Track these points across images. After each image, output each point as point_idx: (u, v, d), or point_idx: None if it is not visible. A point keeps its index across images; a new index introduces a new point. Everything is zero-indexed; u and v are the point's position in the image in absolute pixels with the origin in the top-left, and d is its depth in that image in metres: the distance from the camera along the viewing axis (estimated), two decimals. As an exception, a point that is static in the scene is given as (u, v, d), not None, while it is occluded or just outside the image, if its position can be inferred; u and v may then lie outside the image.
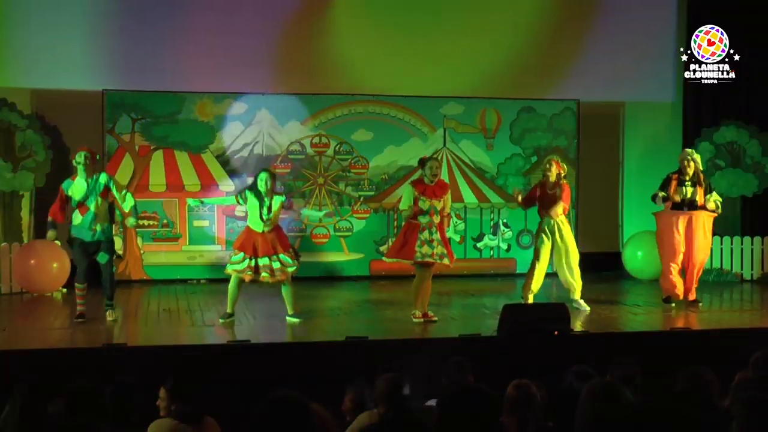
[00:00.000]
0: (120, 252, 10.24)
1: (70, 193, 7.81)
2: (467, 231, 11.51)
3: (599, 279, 10.54)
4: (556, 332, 7.11)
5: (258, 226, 7.77)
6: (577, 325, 7.64)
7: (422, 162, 8.20)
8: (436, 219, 7.92)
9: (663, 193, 8.76)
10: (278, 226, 7.95)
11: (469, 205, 11.49)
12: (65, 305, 9.24)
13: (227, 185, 10.86)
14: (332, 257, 11.17)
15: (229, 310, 7.86)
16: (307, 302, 8.94)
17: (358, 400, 4.83)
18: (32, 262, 9.68)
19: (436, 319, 7.95)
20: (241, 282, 7.80)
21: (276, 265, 7.72)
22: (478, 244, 11.55)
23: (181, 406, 4.39)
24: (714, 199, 8.88)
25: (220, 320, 7.83)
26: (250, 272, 7.71)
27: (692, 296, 8.90)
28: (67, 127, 10.60)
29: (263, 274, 7.71)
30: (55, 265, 9.69)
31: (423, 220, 7.89)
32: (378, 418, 4.21)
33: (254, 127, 10.95)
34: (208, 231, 10.88)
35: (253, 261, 7.70)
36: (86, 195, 7.73)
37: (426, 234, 7.87)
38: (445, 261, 7.95)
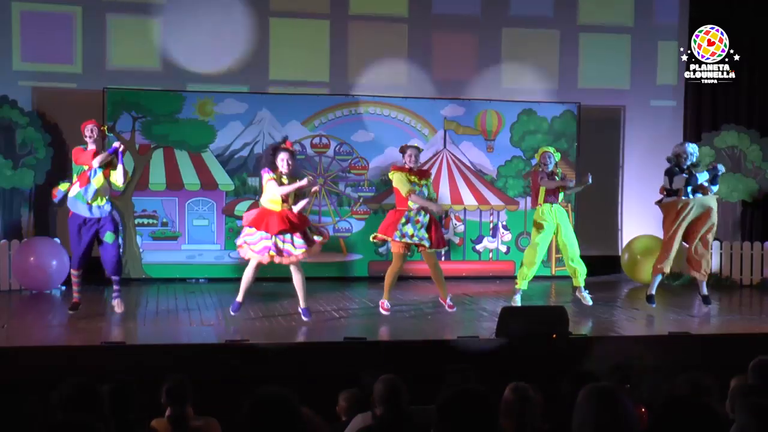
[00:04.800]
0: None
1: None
2: (466, 233, 11.51)
3: (598, 282, 10.54)
4: (554, 335, 7.10)
5: (276, 205, 7.75)
6: (576, 329, 7.64)
7: (403, 150, 8.34)
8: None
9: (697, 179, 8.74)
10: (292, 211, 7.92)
11: (469, 207, 11.49)
12: (64, 302, 9.23)
13: (227, 185, 10.87)
14: (331, 258, 11.16)
15: (240, 299, 7.87)
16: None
17: (352, 400, 4.83)
18: (31, 259, 9.69)
19: (453, 311, 8.18)
20: (258, 267, 7.80)
21: (287, 245, 7.68)
22: (477, 247, 11.55)
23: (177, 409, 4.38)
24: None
25: (232, 312, 7.89)
26: (267, 253, 7.64)
27: (704, 291, 8.90)
28: (68, 125, 10.60)
29: (273, 253, 7.64)
30: (54, 262, 9.69)
31: (414, 205, 8.04)
32: (372, 421, 4.20)
33: (254, 126, 10.95)
34: (208, 230, 10.88)
35: (270, 240, 7.64)
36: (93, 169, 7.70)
37: (413, 214, 7.95)
38: (424, 243, 8.02)
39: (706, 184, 8.76)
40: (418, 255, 8.52)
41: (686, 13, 11.93)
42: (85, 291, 7.96)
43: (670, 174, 8.76)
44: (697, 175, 8.74)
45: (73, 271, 7.93)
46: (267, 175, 7.78)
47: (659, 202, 9.02)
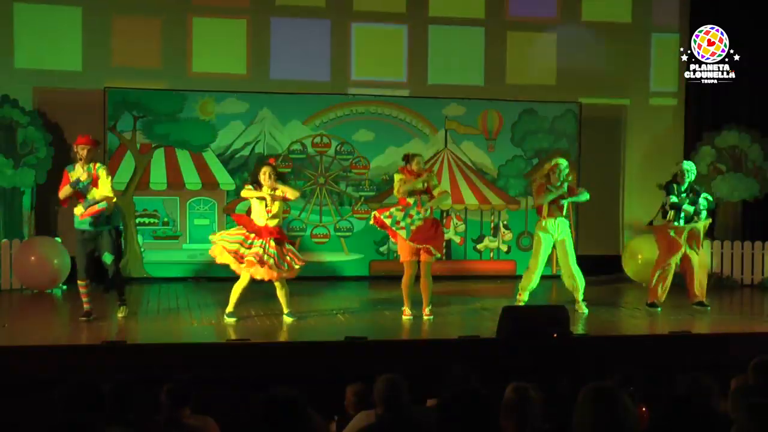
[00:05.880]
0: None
1: (71, 177, 7.72)
2: (467, 232, 11.51)
3: (599, 282, 10.54)
4: (555, 335, 7.10)
5: (261, 220, 7.80)
6: (577, 328, 7.64)
7: (407, 158, 8.32)
8: (424, 210, 8.08)
9: (673, 199, 8.75)
10: (281, 228, 7.93)
11: (470, 206, 11.49)
12: (65, 302, 9.26)
13: (228, 184, 10.87)
14: (332, 257, 11.17)
15: (230, 310, 7.90)
16: (306, 302, 8.95)
17: (361, 395, 4.82)
18: (32, 258, 9.69)
19: (410, 317, 8.10)
20: (247, 284, 7.81)
21: (270, 259, 7.68)
22: (478, 246, 11.55)
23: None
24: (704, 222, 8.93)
25: (227, 318, 7.89)
26: (252, 261, 7.64)
27: (703, 297, 8.95)
28: (69, 125, 10.60)
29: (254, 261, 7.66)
30: (55, 261, 9.70)
31: (411, 200, 8.08)
32: (376, 419, 4.20)
33: (255, 126, 10.96)
34: (209, 229, 10.88)
35: (252, 243, 7.68)
36: (84, 183, 7.67)
37: (413, 210, 8.05)
38: (402, 234, 7.99)
39: (700, 208, 8.80)
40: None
41: (687, 13, 11.94)
42: (90, 290, 7.95)
43: (666, 190, 8.85)
44: (689, 201, 8.78)
45: (79, 282, 7.83)
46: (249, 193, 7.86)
47: (650, 224, 9.10)
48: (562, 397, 4.22)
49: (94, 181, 7.70)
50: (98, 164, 7.81)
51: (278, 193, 7.79)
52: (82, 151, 7.71)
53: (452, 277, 11.02)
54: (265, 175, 7.78)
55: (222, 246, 7.78)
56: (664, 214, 8.90)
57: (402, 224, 8.05)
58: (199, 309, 8.66)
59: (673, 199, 8.78)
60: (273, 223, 7.78)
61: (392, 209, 8.16)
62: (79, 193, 7.68)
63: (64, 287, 9.84)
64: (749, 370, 4.49)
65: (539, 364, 6.45)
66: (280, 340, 7.38)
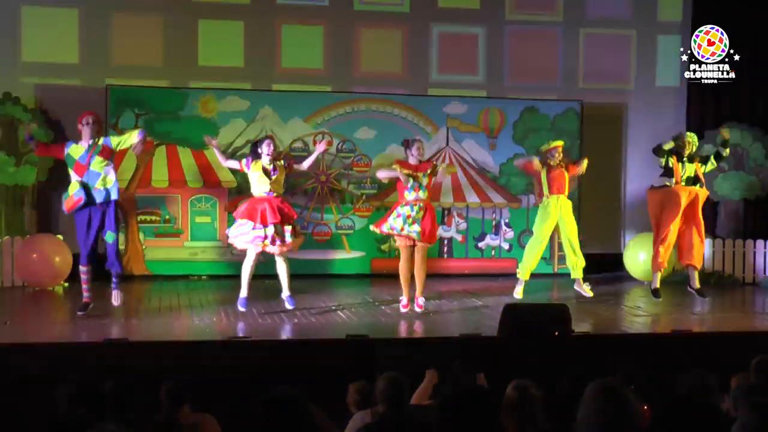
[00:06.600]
0: (122, 247, 10.21)
1: (68, 151, 7.70)
2: (469, 230, 11.50)
3: (601, 280, 10.54)
4: (556, 333, 7.09)
5: (265, 187, 7.96)
6: (578, 327, 7.63)
7: (407, 143, 8.33)
8: (423, 194, 8.06)
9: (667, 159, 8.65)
10: (283, 198, 8.11)
11: (471, 204, 11.49)
12: (67, 299, 9.26)
13: (229, 182, 10.87)
14: (334, 255, 11.17)
15: (244, 294, 8.03)
16: (308, 300, 8.94)
17: (364, 393, 4.82)
18: (34, 256, 9.70)
19: (421, 311, 8.12)
20: (256, 258, 8.00)
21: (282, 234, 7.90)
22: (480, 244, 11.54)
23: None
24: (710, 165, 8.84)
25: (241, 308, 8.03)
26: (260, 242, 7.87)
27: (697, 283, 8.86)
28: (71, 122, 10.55)
29: (267, 242, 7.87)
30: (57, 259, 9.71)
31: (409, 196, 8.03)
32: (373, 417, 4.20)
33: (257, 123, 10.95)
34: (210, 227, 10.89)
35: (262, 230, 7.85)
36: (85, 154, 7.64)
37: (407, 209, 8.00)
38: (413, 235, 7.98)
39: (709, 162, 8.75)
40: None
41: (689, 11, 11.92)
42: (91, 277, 7.96)
43: (655, 152, 8.72)
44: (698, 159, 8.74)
45: (82, 268, 7.81)
46: (252, 165, 8.03)
47: (652, 188, 8.99)
48: (563, 396, 4.22)
49: (103, 151, 7.68)
50: (102, 137, 7.87)
51: (279, 162, 8.07)
52: (86, 126, 7.70)
53: (453, 275, 11.02)
54: (269, 146, 8.02)
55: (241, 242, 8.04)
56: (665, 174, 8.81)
57: (407, 229, 8.02)
58: (201, 307, 8.67)
59: (667, 146, 8.64)
60: (277, 192, 7.98)
61: (389, 219, 8.09)
62: (77, 162, 7.65)
63: (66, 284, 9.84)
64: (751, 369, 4.49)
65: (540, 362, 6.44)
66: (280, 338, 7.38)
